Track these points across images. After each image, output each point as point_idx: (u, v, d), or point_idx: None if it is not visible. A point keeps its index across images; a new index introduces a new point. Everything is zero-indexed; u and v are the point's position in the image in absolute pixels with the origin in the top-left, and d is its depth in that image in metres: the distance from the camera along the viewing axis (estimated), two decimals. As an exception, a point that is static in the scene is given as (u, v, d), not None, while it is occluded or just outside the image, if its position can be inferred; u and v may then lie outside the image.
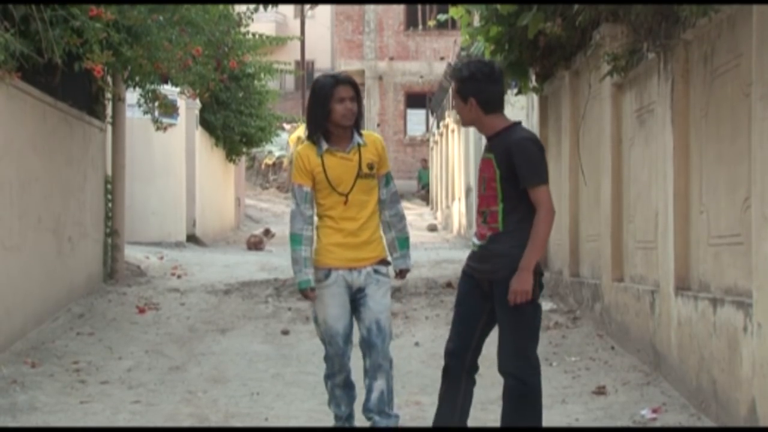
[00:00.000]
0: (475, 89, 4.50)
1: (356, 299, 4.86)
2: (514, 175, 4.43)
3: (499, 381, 4.64)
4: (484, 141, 4.72)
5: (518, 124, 4.62)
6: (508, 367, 4.50)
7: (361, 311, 4.85)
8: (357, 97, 4.80)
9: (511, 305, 4.41)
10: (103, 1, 8.05)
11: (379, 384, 4.83)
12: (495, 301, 4.50)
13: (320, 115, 4.75)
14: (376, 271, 4.86)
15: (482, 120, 4.56)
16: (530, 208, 4.45)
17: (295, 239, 4.82)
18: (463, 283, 4.69)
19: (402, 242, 5.02)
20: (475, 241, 4.61)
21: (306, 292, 4.83)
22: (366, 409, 4.88)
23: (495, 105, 4.56)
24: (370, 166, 4.82)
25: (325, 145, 4.77)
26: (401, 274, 5.07)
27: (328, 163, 4.77)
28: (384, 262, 4.92)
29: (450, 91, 4.61)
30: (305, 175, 4.79)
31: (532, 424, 4.51)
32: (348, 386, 4.99)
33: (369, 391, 4.85)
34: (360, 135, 4.84)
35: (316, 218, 4.92)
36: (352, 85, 4.81)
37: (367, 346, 4.84)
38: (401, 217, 5.03)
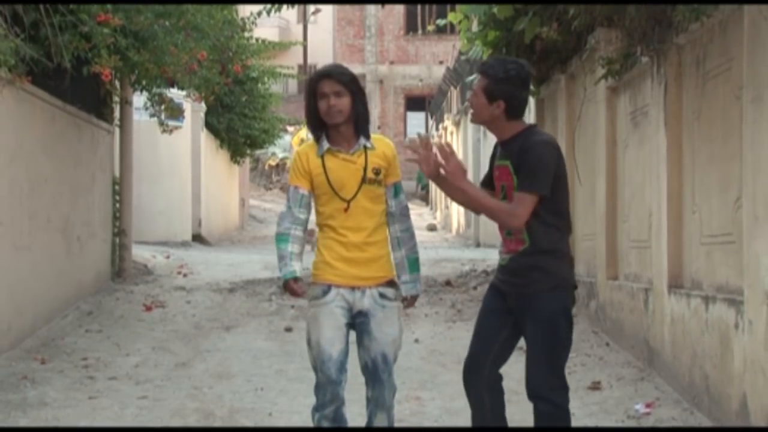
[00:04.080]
0: (508, 93, 4.03)
1: (357, 324, 4.25)
2: None
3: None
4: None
5: (535, 126, 4.26)
6: (542, 391, 4.06)
7: (365, 339, 4.25)
8: (351, 92, 4.19)
9: (546, 323, 4.03)
10: (111, 1, 8.16)
11: (381, 418, 4.30)
12: (526, 316, 4.09)
13: (311, 112, 4.23)
14: (382, 295, 4.24)
15: (502, 124, 4.12)
16: (553, 214, 4.07)
17: (281, 238, 4.24)
18: (490, 296, 4.26)
19: (412, 264, 4.34)
20: (503, 255, 4.19)
21: (289, 284, 4.18)
22: None
23: (520, 112, 4.14)
24: (377, 172, 4.25)
25: (326, 145, 4.22)
26: (410, 301, 4.37)
27: (330, 165, 4.21)
28: (392, 283, 4.29)
29: (471, 85, 4.20)
30: (303, 176, 4.24)
31: None
32: (338, 420, 4.24)
33: (370, 422, 4.34)
34: (367, 138, 4.25)
35: (316, 229, 4.39)
36: (337, 78, 4.18)
37: (371, 378, 4.28)
38: (412, 235, 4.38)
